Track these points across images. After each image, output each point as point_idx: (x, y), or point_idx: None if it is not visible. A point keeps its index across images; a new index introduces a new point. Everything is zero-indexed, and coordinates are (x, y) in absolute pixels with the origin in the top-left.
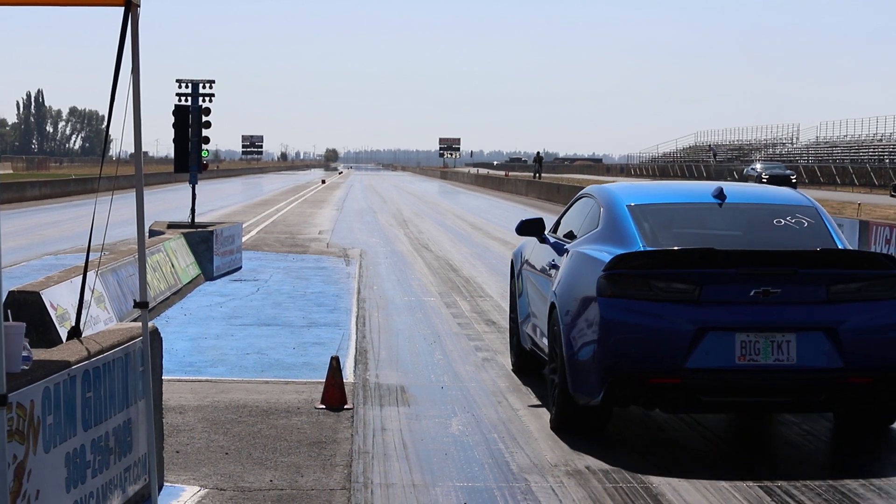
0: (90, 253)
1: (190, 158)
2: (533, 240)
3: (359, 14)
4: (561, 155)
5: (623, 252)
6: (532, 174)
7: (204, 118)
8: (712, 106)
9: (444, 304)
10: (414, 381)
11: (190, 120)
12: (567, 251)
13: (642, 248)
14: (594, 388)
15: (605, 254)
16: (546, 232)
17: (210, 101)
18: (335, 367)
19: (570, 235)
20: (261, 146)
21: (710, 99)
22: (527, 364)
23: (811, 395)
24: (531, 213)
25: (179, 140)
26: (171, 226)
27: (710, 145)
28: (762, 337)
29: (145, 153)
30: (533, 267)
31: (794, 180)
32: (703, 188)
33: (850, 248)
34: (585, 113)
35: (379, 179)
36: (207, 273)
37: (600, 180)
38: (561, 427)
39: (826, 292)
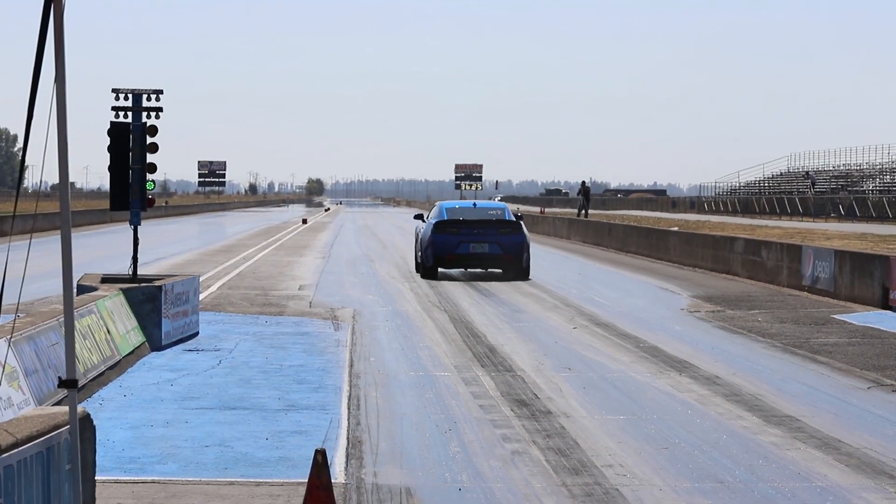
0: None
1: (130, 191)
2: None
3: (349, 9)
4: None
5: (439, 220)
6: (577, 210)
7: (149, 139)
8: (811, 121)
9: (462, 380)
10: (423, 481)
11: (131, 141)
12: (426, 221)
13: (445, 219)
14: (429, 259)
15: (434, 220)
16: (423, 218)
17: (157, 116)
18: (321, 462)
19: (426, 217)
20: (223, 175)
21: (807, 113)
22: (419, 268)
23: (493, 263)
24: (575, 261)
25: (117, 167)
26: (107, 279)
27: (807, 172)
28: (478, 244)
29: (72, 184)
30: (418, 228)
31: None
32: (471, 203)
33: (512, 220)
34: (644, 132)
35: (377, 218)
36: (154, 341)
37: (665, 219)
38: (420, 274)
39: (498, 231)
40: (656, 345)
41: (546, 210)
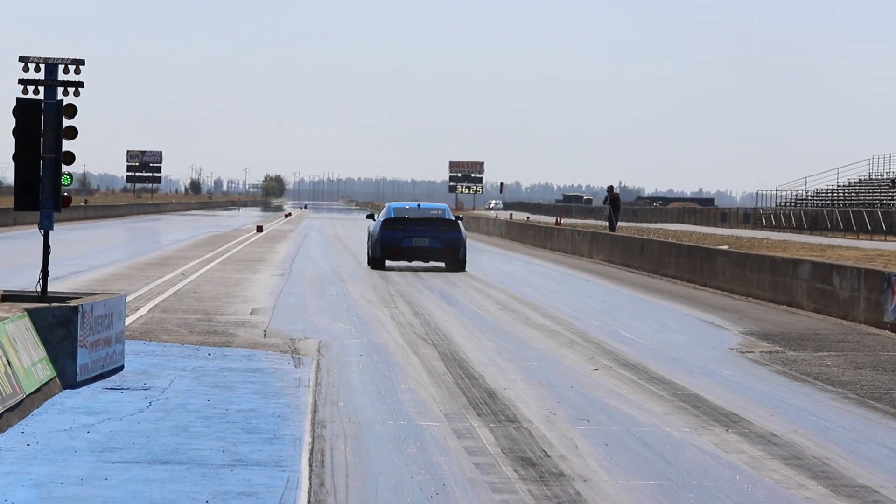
0: None
1: (41, 187)
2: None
3: None
4: (648, 192)
5: (387, 218)
6: (604, 222)
7: (66, 121)
8: None
9: (454, 432)
10: None
11: (42, 124)
12: (375, 220)
13: (392, 217)
14: (378, 252)
15: (383, 218)
16: (374, 217)
17: (77, 93)
18: None
19: (377, 216)
20: (158, 169)
21: None
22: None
23: (433, 256)
24: (598, 286)
25: (24, 156)
26: (8, 297)
27: (893, 180)
28: (420, 239)
29: None
30: (370, 226)
31: None
32: (416, 204)
33: (451, 219)
34: (687, 127)
35: (350, 226)
36: (67, 375)
37: (712, 235)
38: (370, 265)
39: (438, 228)
40: (698, 392)
41: (563, 220)
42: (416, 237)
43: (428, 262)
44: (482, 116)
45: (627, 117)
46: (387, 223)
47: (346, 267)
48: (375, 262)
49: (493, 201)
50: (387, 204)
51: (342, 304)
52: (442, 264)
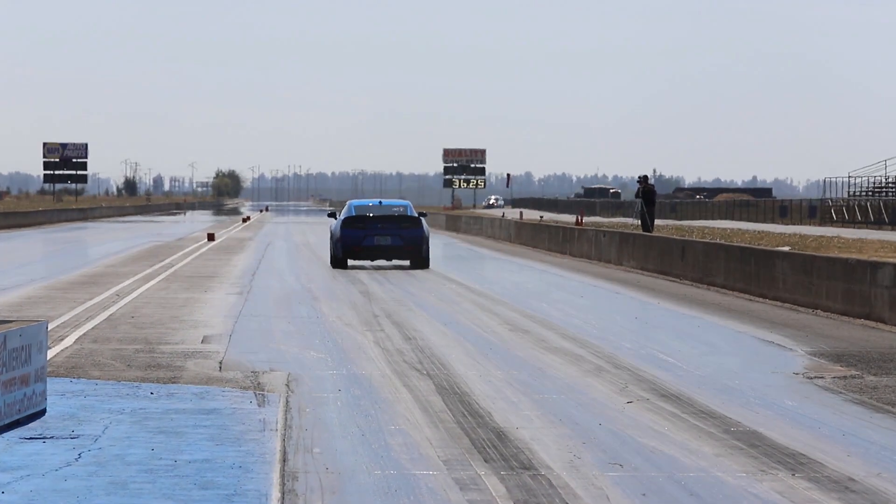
0: None
1: None
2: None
3: None
4: (689, 182)
5: (347, 216)
6: (635, 219)
7: None
8: None
9: (456, 482)
10: None
11: None
12: (337, 219)
13: (353, 215)
14: (339, 251)
15: (344, 216)
16: (335, 215)
17: None
18: None
19: (338, 214)
20: (83, 165)
21: None
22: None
23: (396, 254)
24: (630, 298)
25: None
26: None
27: None
28: (382, 237)
29: None
30: (331, 225)
31: None
32: (377, 201)
33: (413, 215)
34: (735, 103)
35: (322, 231)
36: None
37: (770, 233)
38: (332, 265)
39: (399, 226)
40: (755, 428)
41: (585, 219)
42: (377, 235)
43: (391, 260)
44: (482, 96)
45: (661, 92)
46: (347, 221)
47: (318, 282)
48: (337, 261)
49: (494, 197)
50: (348, 202)
51: (315, 327)
52: (406, 262)
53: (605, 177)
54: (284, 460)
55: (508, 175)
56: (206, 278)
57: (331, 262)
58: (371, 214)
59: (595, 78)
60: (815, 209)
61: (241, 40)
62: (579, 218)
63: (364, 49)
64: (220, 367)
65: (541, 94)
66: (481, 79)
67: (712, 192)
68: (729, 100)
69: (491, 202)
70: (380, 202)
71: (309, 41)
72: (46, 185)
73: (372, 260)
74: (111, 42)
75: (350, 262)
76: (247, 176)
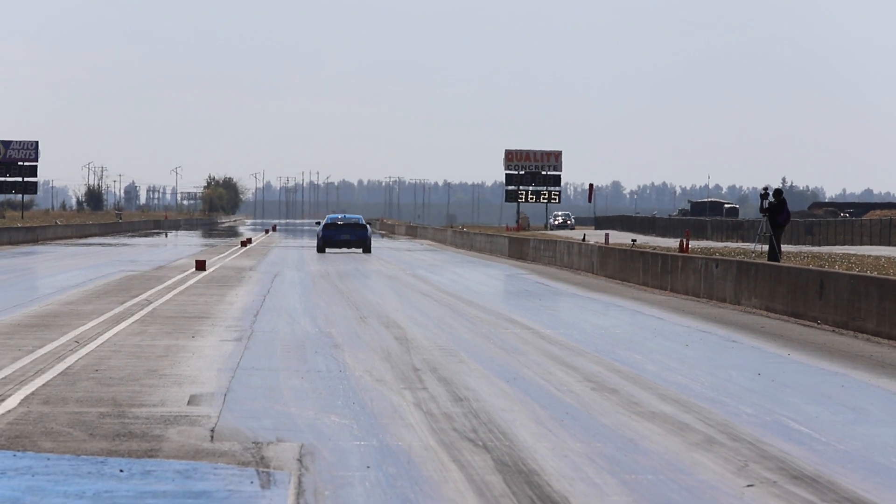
0: None
1: None
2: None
3: None
4: (828, 195)
5: (326, 224)
6: (758, 244)
7: None
8: None
9: None
10: None
11: None
12: (320, 226)
13: (329, 223)
14: (320, 244)
15: (323, 224)
16: (319, 223)
17: None
18: None
19: (320, 223)
20: (32, 170)
21: None
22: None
23: (352, 245)
24: (750, 349)
25: None
26: None
27: None
28: (344, 234)
29: None
30: (318, 230)
31: None
32: (342, 215)
33: (362, 223)
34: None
35: (348, 259)
36: None
37: None
38: (317, 251)
39: (354, 230)
40: None
41: (691, 243)
42: (342, 234)
43: (350, 248)
44: (554, 87)
45: (792, 83)
46: (326, 227)
47: (340, 325)
48: (319, 249)
49: (562, 214)
50: (327, 216)
51: (336, 384)
52: (359, 250)
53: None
54: None
55: (591, 186)
56: (195, 320)
57: (317, 249)
58: (339, 223)
59: (705, 61)
60: None
61: (243, 7)
62: (684, 242)
63: (402, 23)
64: (212, 437)
65: (631, 85)
66: (553, 65)
67: (861, 208)
68: (884, 89)
69: (559, 220)
70: (344, 216)
71: (331, 11)
72: None
73: (339, 248)
74: (65, 14)
75: (328, 250)
76: (248, 185)
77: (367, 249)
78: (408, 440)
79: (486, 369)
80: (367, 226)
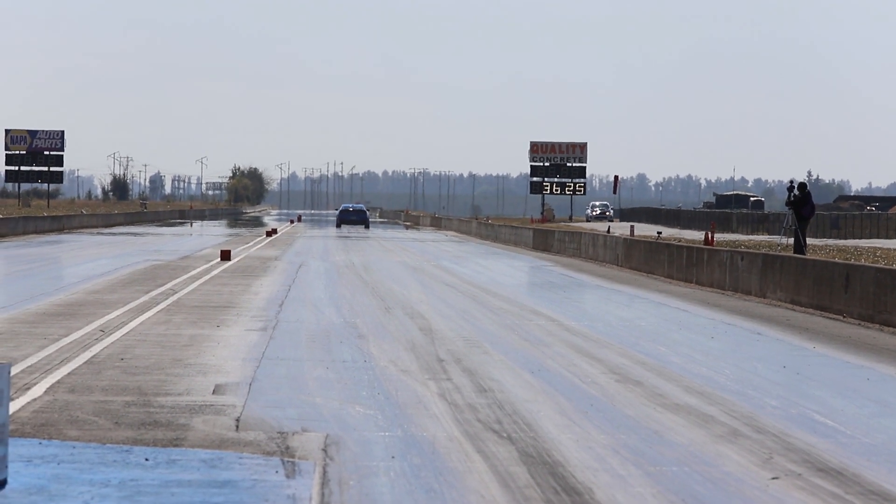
0: None
1: None
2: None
3: None
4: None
5: (341, 210)
6: (784, 237)
7: None
8: None
9: None
10: None
11: None
12: (339, 211)
13: (343, 209)
14: (339, 223)
15: (340, 210)
16: (338, 211)
17: None
18: None
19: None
20: (59, 160)
21: None
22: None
23: (358, 223)
24: (776, 342)
25: None
26: None
27: None
28: (352, 217)
29: None
30: (337, 214)
31: None
32: (350, 205)
33: (363, 210)
34: None
35: (374, 249)
36: None
37: None
38: (336, 227)
39: (359, 214)
40: None
41: (717, 236)
42: (351, 217)
43: (356, 226)
44: (580, 78)
45: (817, 73)
46: (341, 212)
47: (365, 315)
48: (337, 225)
49: (599, 204)
50: (342, 205)
51: (361, 374)
52: (362, 226)
53: (743, 181)
54: None
55: (616, 178)
56: (220, 309)
57: (336, 226)
58: (350, 209)
59: (728, 52)
60: None
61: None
62: (709, 235)
63: (430, 16)
64: (237, 427)
65: (656, 77)
66: (578, 58)
67: (887, 201)
68: None
69: (597, 211)
70: (353, 205)
71: (359, 4)
72: (9, 186)
73: (349, 224)
74: (94, 4)
75: (342, 226)
76: (273, 176)
77: (367, 227)
78: (432, 431)
79: (510, 360)
80: (367, 212)
